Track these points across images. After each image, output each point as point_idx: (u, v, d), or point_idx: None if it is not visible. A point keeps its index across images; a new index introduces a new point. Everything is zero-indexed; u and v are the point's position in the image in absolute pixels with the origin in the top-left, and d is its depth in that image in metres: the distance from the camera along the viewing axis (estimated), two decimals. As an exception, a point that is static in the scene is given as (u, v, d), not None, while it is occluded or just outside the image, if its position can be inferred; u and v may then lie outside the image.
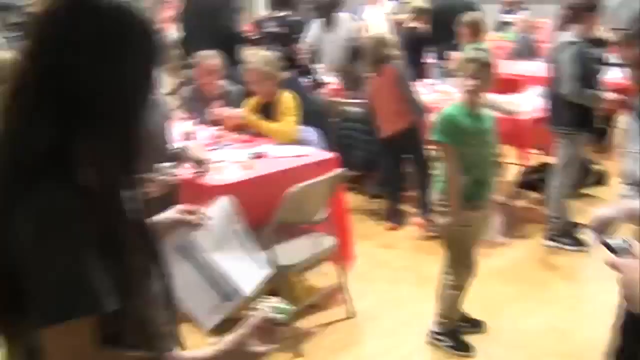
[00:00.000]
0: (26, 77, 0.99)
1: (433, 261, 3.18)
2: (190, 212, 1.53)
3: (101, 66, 0.98)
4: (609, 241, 1.41)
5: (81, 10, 0.98)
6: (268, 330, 1.17)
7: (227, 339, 1.15)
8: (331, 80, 5.59)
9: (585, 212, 3.62)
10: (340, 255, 3.46)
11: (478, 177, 2.95)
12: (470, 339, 3.20)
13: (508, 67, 5.64)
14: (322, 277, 3.70)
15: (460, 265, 3.06)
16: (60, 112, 0.98)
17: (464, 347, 3.14)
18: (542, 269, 4.03)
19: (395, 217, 4.63)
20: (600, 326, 2.64)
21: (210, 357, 1.13)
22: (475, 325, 3.31)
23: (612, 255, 1.36)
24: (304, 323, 3.33)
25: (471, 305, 3.30)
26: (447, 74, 5.24)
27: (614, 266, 1.34)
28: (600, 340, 2.54)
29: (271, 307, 1.20)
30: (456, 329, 3.17)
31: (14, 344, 1.05)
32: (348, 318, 3.44)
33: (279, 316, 1.19)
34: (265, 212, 2.94)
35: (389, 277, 3.93)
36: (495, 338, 3.26)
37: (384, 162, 4.69)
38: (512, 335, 3.30)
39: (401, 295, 3.70)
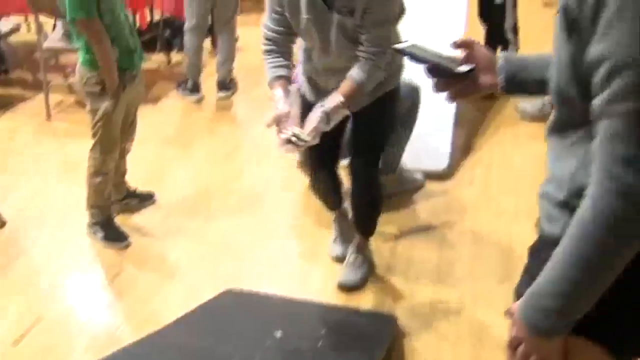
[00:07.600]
0: None
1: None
2: None
3: None
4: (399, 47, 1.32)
5: None
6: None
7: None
8: None
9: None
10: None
11: (126, 45, 2.71)
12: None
13: None
14: None
15: (107, 151, 2.79)
16: None
17: (117, 237, 2.91)
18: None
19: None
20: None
21: None
22: (145, 199, 3.21)
23: None
24: None
25: (135, 175, 3.20)
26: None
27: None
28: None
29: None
30: (109, 217, 2.94)
31: None
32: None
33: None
34: None
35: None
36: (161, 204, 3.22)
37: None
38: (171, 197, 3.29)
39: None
